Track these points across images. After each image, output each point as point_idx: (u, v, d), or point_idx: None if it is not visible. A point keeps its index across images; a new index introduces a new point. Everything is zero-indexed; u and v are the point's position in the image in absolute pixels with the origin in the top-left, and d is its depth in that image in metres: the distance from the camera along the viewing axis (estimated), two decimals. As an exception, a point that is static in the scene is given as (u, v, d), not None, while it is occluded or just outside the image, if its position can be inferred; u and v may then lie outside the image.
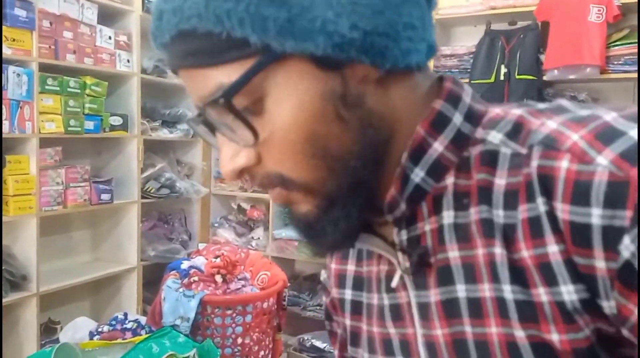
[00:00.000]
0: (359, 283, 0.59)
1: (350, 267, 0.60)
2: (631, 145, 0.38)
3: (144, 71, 3.29)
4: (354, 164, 0.46)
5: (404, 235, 0.51)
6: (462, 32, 3.53)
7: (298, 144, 0.46)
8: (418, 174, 0.48)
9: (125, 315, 2.42)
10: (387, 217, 0.50)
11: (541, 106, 0.47)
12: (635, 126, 0.39)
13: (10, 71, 2.58)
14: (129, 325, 2.35)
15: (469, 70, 3.28)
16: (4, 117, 2.56)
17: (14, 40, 2.55)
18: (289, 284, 2.65)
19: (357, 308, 0.59)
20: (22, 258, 2.76)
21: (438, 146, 0.48)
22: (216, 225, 3.86)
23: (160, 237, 3.47)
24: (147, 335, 2.15)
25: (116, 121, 3.09)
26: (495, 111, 0.49)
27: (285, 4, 0.42)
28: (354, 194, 0.48)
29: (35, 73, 2.66)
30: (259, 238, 3.65)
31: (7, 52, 2.55)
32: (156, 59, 3.51)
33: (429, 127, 0.48)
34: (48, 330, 2.95)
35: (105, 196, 3.07)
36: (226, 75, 0.44)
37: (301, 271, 3.81)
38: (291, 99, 0.45)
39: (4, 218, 2.64)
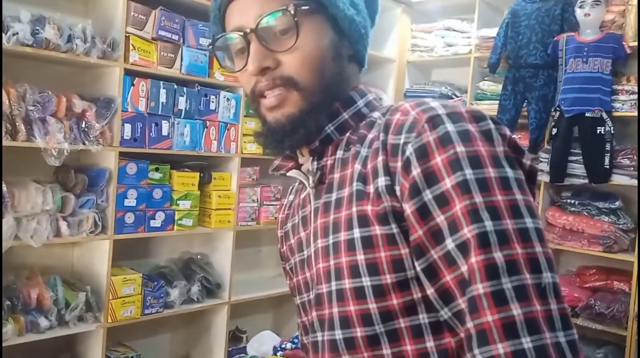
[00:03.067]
0: (290, 218, 0.86)
1: (287, 212, 0.89)
2: (426, 107, 0.67)
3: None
4: (332, 85, 0.76)
5: (315, 164, 0.78)
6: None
7: (313, 60, 0.74)
8: (330, 128, 0.77)
9: (306, 335, 2.45)
10: (310, 146, 0.78)
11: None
12: (438, 104, 0.67)
13: (222, 95, 2.81)
14: (309, 346, 2.38)
15: None
16: (212, 137, 2.79)
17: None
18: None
19: (288, 235, 0.86)
20: (218, 268, 2.97)
21: (345, 115, 0.77)
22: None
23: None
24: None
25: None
26: (387, 104, 0.79)
27: None
28: (320, 110, 0.75)
29: (242, 98, 2.86)
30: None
31: (219, 78, 2.78)
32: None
33: (341, 104, 0.77)
34: (235, 338, 3.12)
35: (294, 216, 3.18)
36: (290, 2, 0.73)
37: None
38: (317, 34, 0.75)
39: (206, 229, 2.87)
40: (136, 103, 2.51)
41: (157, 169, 2.65)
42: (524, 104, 3.25)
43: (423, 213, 0.62)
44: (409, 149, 0.64)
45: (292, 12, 0.72)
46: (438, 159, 0.62)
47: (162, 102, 2.60)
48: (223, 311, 2.94)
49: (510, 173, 0.62)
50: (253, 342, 2.75)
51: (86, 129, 2.33)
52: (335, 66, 0.76)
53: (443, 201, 0.61)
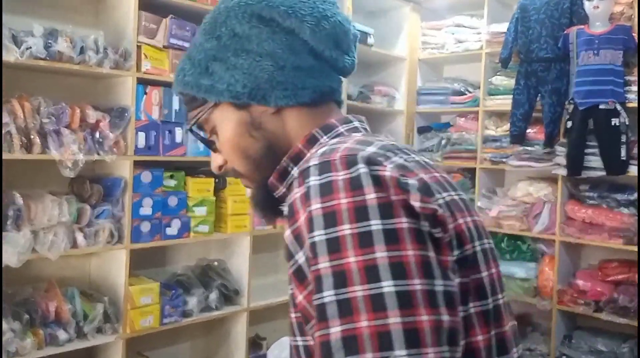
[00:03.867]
0: None
1: None
2: (311, 156, 0.65)
3: (349, 97, 3.36)
4: (264, 162, 0.76)
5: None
6: None
7: (231, 150, 0.78)
8: (296, 171, 0.72)
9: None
10: (276, 194, 0.76)
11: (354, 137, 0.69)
12: (327, 149, 0.63)
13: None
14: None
15: None
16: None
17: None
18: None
19: None
20: (236, 273, 2.96)
21: (308, 155, 0.71)
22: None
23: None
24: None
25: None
26: (349, 137, 0.69)
27: (211, 76, 0.76)
28: (266, 184, 0.76)
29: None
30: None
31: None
32: (361, 85, 3.56)
33: (304, 143, 0.74)
34: (255, 345, 3.10)
35: (310, 219, 3.17)
36: (196, 114, 0.79)
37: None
38: (224, 126, 0.77)
39: (223, 235, 2.86)
40: (149, 111, 2.50)
41: (171, 177, 2.64)
42: (538, 98, 3.23)
43: (299, 276, 0.59)
44: (286, 208, 0.61)
45: (191, 128, 0.80)
46: (302, 219, 0.58)
47: (175, 110, 2.59)
48: (242, 318, 2.92)
49: (376, 225, 0.53)
50: (273, 349, 2.72)
51: (100, 140, 2.33)
52: (257, 137, 0.76)
53: (309, 263, 0.56)
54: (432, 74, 3.96)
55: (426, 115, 3.90)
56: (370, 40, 3.44)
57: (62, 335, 2.25)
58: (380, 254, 0.52)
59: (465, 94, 3.62)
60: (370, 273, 0.51)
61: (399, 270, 0.51)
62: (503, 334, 0.64)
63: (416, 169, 0.61)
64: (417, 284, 0.51)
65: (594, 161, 3.03)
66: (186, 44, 2.60)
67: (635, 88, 2.99)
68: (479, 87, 3.54)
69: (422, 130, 3.87)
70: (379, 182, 0.56)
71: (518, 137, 3.29)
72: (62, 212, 2.24)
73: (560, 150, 3.13)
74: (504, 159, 3.40)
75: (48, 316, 2.26)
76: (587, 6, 3.02)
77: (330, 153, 0.60)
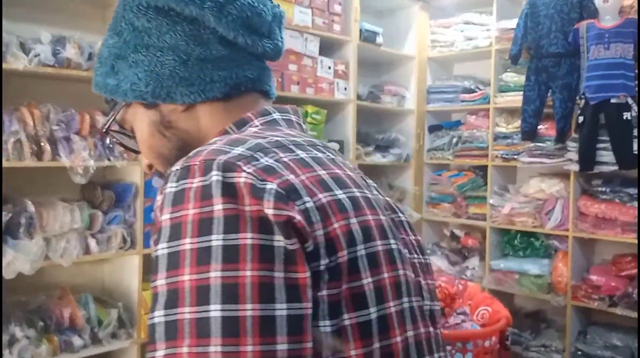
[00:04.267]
0: None
1: None
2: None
3: (359, 97, 3.35)
4: (180, 154, 0.65)
5: None
6: None
7: (147, 151, 0.75)
8: None
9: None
10: None
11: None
12: (197, 151, 0.57)
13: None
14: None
15: None
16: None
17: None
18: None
19: None
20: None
21: None
22: (428, 251, 3.74)
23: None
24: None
25: (333, 146, 3.18)
26: (262, 134, 0.63)
27: (116, 74, 0.72)
28: None
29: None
30: (474, 268, 3.45)
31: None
32: (370, 85, 3.54)
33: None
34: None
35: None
36: (110, 116, 0.77)
37: (521, 307, 3.52)
38: (138, 126, 0.74)
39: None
40: (158, 116, 2.50)
41: (182, 181, 2.64)
42: (549, 94, 3.20)
43: None
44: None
45: (106, 130, 0.79)
46: (160, 228, 0.53)
47: (184, 114, 2.59)
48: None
49: (216, 241, 0.49)
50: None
51: (111, 146, 2.33)
52: (169, 137, 0.72)
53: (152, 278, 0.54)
54: (442, 72, 3.95)
55: (436, 113, 3.88)
56: (379, 39, 3.43)
57: (77, 341, 2.25)
58: (215, 274, 0.48)
59: (476, 92, 3.60)
60: (201, 295, 0.47)
61: (230, 293, 0.47)
62: (391, 347, 0.57)
63: (287, 170, 0.56)
64: (248, 309, 0.47)
65: (606, 156, 3.00)
66: (194, 48, 2.60)
67: (646, 81, 2.96)
68: (489, 85, 3.52)
69: (432, 129, 3.86)
70: (230, 191, 0.51)
71: (529, 133, 3.27)
72: (74, 219, 2.24)
73: (572, 145, 3.10)
74: (515, 156, 3.38)
75: (62, 322, 2.26)
76: (597, 0, 2.99)
77: (193, 157, 0.55)
